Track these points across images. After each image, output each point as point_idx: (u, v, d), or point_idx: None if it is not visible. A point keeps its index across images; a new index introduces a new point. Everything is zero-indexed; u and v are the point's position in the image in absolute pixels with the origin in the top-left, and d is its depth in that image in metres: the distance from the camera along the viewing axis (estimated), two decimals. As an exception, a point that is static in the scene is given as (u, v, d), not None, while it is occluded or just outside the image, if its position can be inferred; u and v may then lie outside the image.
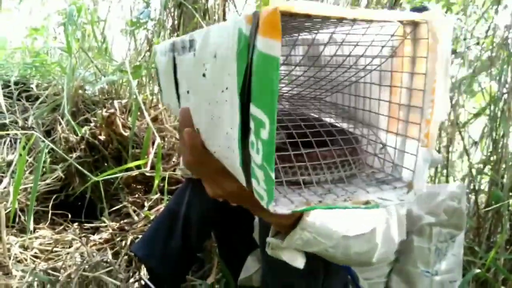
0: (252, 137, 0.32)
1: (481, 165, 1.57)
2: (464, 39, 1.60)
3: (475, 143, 1.62)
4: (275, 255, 0.65)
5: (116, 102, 1.51)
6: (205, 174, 0.51)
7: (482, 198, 1.57)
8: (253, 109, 0.31)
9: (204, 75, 0.38)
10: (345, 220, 0.66)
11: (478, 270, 1.16)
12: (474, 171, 1.55)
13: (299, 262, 0.65)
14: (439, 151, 1.74)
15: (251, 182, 0.34)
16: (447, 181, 1.67)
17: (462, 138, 1.60)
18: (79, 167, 1.41)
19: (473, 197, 1.53)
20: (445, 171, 1.68)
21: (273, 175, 0.32)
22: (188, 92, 0.46)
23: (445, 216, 1.02)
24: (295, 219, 0.62)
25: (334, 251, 0.68)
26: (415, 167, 0.39)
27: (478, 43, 1.60)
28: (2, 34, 2.83)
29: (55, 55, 2.40)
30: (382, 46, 0.40)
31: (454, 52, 1.76)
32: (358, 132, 0.49)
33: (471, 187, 1.54)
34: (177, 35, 1.91)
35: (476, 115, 1.56)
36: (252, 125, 0.32)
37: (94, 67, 1.95)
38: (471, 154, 1.60)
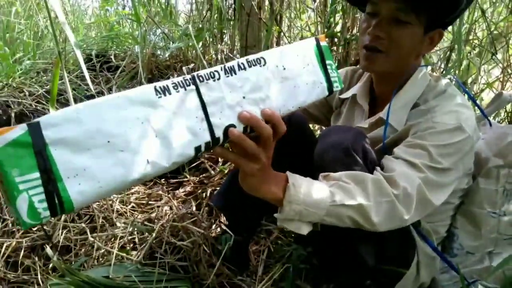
0: (330, 71, 0.78)
1: None
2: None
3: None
4: (282, 226, 0.76)
5: (184, 68, 1.62)
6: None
7: None
8: (328, 62, 0.78)
9: (284, 68, 0.71)
10: (326, 191, 0.75)
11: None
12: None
13: (303, 230, 0.76)
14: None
15: (332, 82, 0.78)
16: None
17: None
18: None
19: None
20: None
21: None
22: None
23: (513, 157, 1.00)
24: (283, 194, 0.73)
25: (331, 219, 0.76)
26: None
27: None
28: (79, 9, 3.07)
29: (126, 24, 2.56)
30: None
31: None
32: None
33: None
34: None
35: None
36: (330, 68, 0.78)
37: (162, 33, 2.06)
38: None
